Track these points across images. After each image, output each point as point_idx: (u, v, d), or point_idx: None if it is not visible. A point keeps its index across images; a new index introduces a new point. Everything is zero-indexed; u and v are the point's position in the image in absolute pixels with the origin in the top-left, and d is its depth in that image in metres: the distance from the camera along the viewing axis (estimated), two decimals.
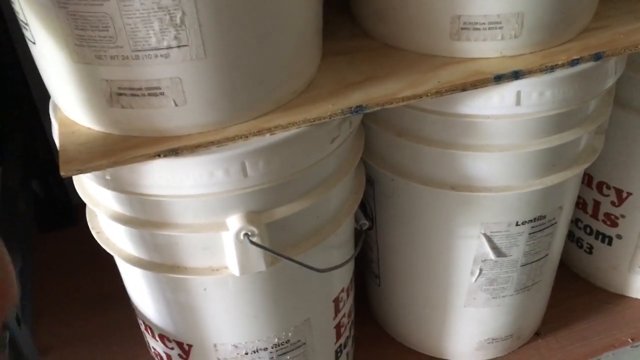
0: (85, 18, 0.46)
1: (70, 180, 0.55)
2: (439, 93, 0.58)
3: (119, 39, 0.47)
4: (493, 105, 0.61)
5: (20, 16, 0.50)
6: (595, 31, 0.65)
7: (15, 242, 0.83)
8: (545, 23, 0.61)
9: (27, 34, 0.52)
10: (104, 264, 0.76)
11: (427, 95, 0.58)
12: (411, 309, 0.88)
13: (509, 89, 0.60)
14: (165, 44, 0.47)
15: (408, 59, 0.64)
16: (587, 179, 0.91)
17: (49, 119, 0.60)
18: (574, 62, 0.61)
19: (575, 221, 0.97)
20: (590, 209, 0.94)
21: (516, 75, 0.59)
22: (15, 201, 0.91)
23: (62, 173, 0.51)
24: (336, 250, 0.70)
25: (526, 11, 0.59)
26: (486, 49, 0.61)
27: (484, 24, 0.59)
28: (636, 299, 1.00)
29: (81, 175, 0.56)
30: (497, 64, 0.60)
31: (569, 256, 1.02)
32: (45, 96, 0.60)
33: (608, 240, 0.95)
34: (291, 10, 0.53)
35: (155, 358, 0.78)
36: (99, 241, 0.65)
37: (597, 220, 0.94)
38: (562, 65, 0.61)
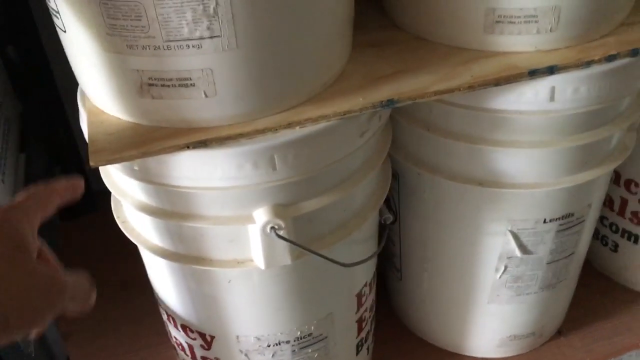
0: (117, 7, 0.45)
1: (91, 167, 0.55)
2: (471, 88, 0.57)
3: (151, 29, 0.46)
4: (526, 101, 0.60)
5: (52, 4, 0.50)
6: (632, 26, 0.63)
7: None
8: (582, 17, 0.59)
9: (57, 22, 0.51)
10: (125, 251, 0.76)
11: (460, 90, 0.57)
12: (432, 304, 0.87)
13: (543, 85, 0.59)
14: (197, 34, 0.47)
15: (439, 52, 0.62)
16: (615, 176, 0.89)
17: (72, 107, 0.60)
18: (610, 58, 0.59)
19: (600, 219, 0.96)
20: (617, 207, 0.92)
21: (551, 70, 0.58)
22: None
23: (92, 163, 0.50)
24: (360, 244, 0.69)
25: (563, 5, 0.57)
26: (521, 42, 0.59)
27: (519, 17, 0.58)
28: None
29: (108, 165, 0.56)
30: (532, 59, 0.59)
31: (593, 254, 1.00)
32: (68, 84, 0.60)
33: (634, 238, 0.93)
34: (324, 1, 0.53)
35: (177, 347, 0.78)
36: (124, 231, 0.65)
37: (624, 218, 0.92)
38: (599, 61, 0.59)
